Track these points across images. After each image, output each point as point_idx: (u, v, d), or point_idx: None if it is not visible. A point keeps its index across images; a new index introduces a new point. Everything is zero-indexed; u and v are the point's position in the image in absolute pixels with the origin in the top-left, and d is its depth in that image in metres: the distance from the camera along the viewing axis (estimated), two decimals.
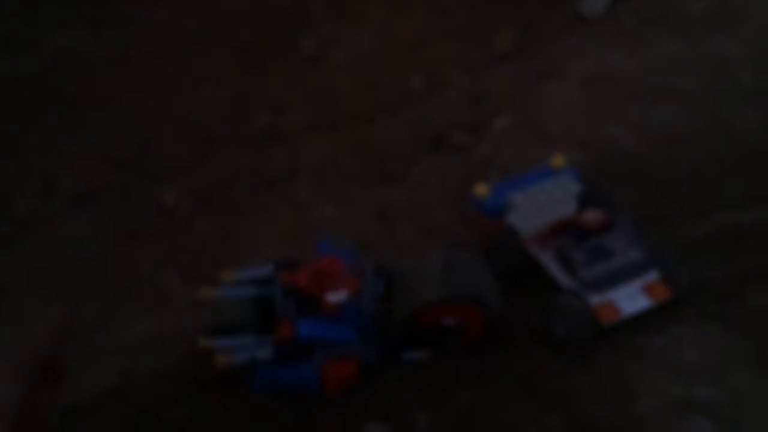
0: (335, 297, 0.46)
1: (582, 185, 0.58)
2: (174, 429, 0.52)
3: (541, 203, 0.57)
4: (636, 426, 0.44)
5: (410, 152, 0.70)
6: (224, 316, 0.49)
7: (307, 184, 0.67)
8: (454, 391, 0.48)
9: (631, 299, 0.51)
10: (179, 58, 0.86)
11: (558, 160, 0.60)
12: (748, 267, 0.56)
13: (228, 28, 0.90)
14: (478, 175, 0.62)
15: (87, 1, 1.10)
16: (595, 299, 0.51)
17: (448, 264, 0.49)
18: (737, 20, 0.81)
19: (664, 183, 0.62)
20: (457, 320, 0.49)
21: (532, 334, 0.51)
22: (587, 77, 0.74)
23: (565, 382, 0.48)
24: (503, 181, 0.62)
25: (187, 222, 0.64)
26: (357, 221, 0.62)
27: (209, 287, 0.50)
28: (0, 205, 0.72)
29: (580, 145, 0.66)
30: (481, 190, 0.57)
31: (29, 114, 0.81)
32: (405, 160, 0.69)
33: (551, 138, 0.68)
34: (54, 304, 0.60)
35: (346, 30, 0.86)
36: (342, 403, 0.47)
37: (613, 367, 0.48)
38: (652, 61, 0.76)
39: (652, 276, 0.52)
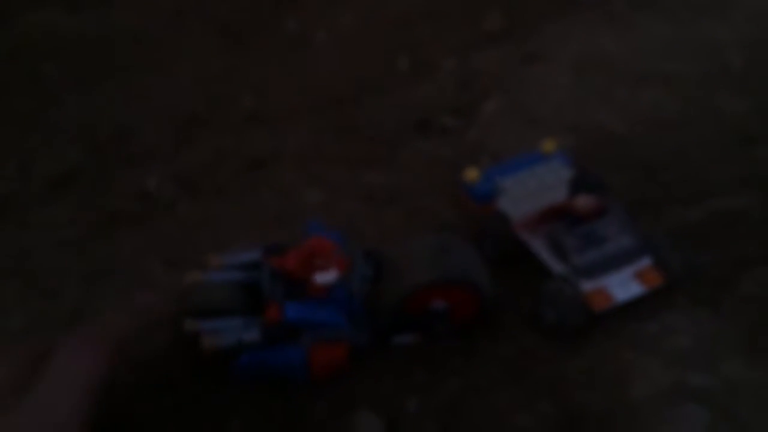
0: (324, 278, 0.44)
1: (573, 170, 0.56)
2: (157, 419, 0.50)
3: (532, 188, 0.56)
4: (628, 413, 0.43)
5: (397, 135, 0.68)
6: (211, 298, 0.47)
7: (292, 168, 0.65)
8: (444, 377, 0.47)
9: (623, 285, 0.50)
10: (159, 38, 0.83)
11: (548, 145, 0.58)
12: (740, 253, 0.55)
13: (208, 9, 0.88)
14: (466, 159, 0.61)
15: None
16: (587, 285, 0.49)
17: (439, 247, 0.47)
18: (727, 5, 0.80)
19: (653, 168, 0.61)
20: (446, 304, 0.48)
21: (522, 320, 0.49)
22: (577, 61, 0.73)
23: (556, 369, 0.47)
24: (493, 166, 0.60)
25: (169, 207, 0.62)
26: (344, 205, 0.61)
27: (197, 271, 0.48)
28: None
29: (569, 129, 0.65)
30: (471, 174, 0.56)
31: (3, 95, 0.79)
32: (392, 143, 0.67)
33: (540, 122, 0.66)
34: (32, 290, 0.58)
35: (330, 10, 0.84)
36: (330, 389, 0.46)
37: (605, 353, 0.46)
38: (641, 44, 0.75)
39: (645, 262, 0.50)
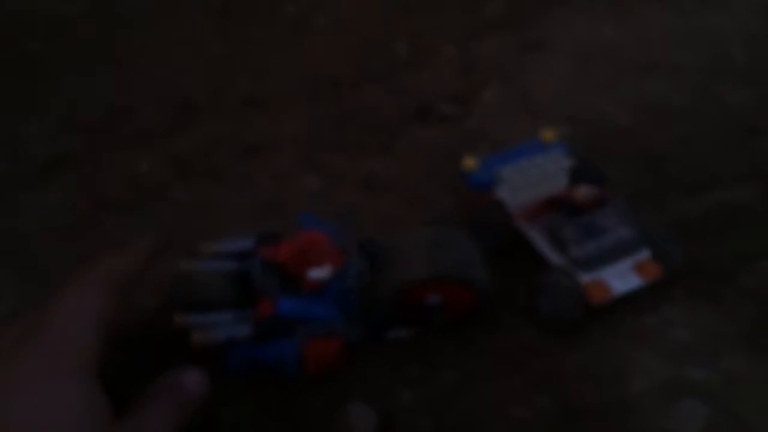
0: (318, 274, 0.43)
1: (573, 160, 0.55)
2: None
3: (531, 178, 0.55)
4: (626, 407, 0.43)
5: (396, 122, 0.67)
6: (200, 291, 0.45)
7: (289, 154, 0.64)
8: (438, 369, 0.46)
9: (622, 278, 0.49)
10: (153, 20, 0.82)
11: (548, 134, 0.57)
12: (740, 246, 0.54)
13: None
14: (465, 147, 0.60)
15: None
16: (585, 277, 0.48)
17: (436, 241, 0.46)
18: None
19: (654, 158, 0.60)
20: (441, 298, 0.47)
21: (519, 312, 0.48)
22: (578, 49, 0.72)
23: (553, 362, 0.46)
24: (492, 154, 0.59)
25: (163, 191, 0.61)
26: (341, 192, 0.60)
27: (190, 259, 0.47)
28: None
29: (570, 118, 0.64)
30: (469, 163, 0.55)
31: None
32: (390, 131, 0.66)
33: (541, 110, 0.65)
34: (23, 273, 0.57)
35: None
36: (324, 381, 0.45)
37: (603, 346, 0.46)
38: (644, 34, 0.74)
39: (644, 254, 0.49)
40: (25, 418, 0.32)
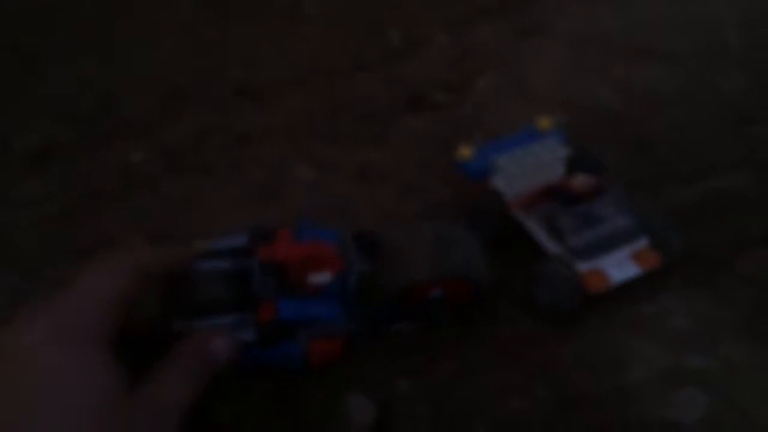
0: (319, 279, 0.43)
1: (569, 148, 0.55)
2: None
3: (528, 166, 0.54)
4: (625, 396, 0.42)
5: (389, 111, 0.67)
6: (199, 295, 0.44)
7: (282, 144, 0.63)
8: (437, 360, 0.46)
9: (619, 267, 0.48)
10: (142, 8, 0.81)
11: (544, 122, 0.57)
12: (736, 234, 0.54)
13: None
14: (460, 136, 0.59)
15: None
16: (583, 266, 0.48)
17: (439, 238, 0.46)
18: None
19: (649, 145, 0.59)
20: (442, 292, 0.47)
21: (517, 302, 0.48)
22: (573, 36, 0.71)
23: (551, 352, 0.45)
24: (487, 143, 0.59)
25: (154, 183, 0.60)
26: (334, 182, 0.59)
27: (203, 240, 0.46)
28: None
29: (565, 105, 0.63)
30: (465, 152, 0.54)
31: None
32: (384, 120, 0.65)
33: (536, 98, 0.65)
34: (12, 268, 0.57)
35: None
36: (322, 376, 0.44)
37: (601, 336, 0.45)
38: (639, 20, 0.74)
39: (642, 243, 0.49)
40: (42, 383, 0.32)
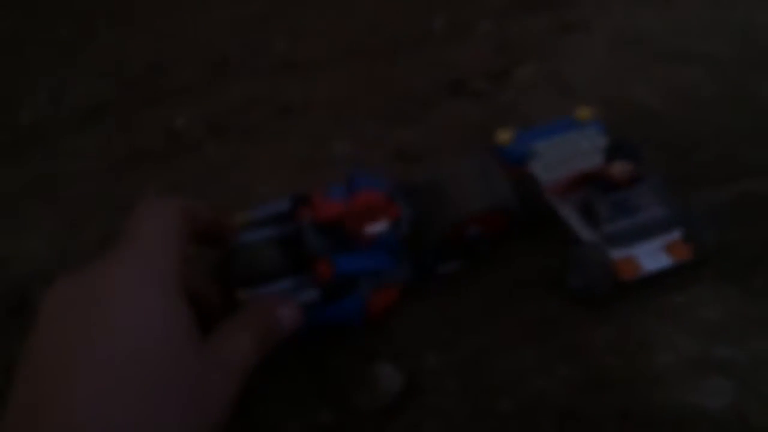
0: (375, 228, 0.44)
1: (608, 138, 0.55)
2: None
3: (566, 153, 0.55)
4: (651, 381, 0.43)
5: (429, 94, 0.67)
6: (255, 263, 0.45)
7: (322, 117, 0.64)
8: (465, 335, 0.47)
9: (652, 256, 0.49)
10: None
11: (584, 112, 0.57)
12: None
13: None
14: (496, 123, 0.60)
15: None
16: (616, 253, 0.49)
17: (483, 171, 0.47)
18: None
19: (685, 146, 0.60)
20: (480, 228, 0.48)
21: (548, 285, 0.49)
22: (614, 33, 0.72)
23: (579, 334, 0.46)
24: (525, 129, 0.59)
25: (197, 147, 0.61)
26: (371, 159, 0.60)
27: (244, 212, 0.47)
28: (5, 114, 0.68)
29: (603, 101, 0.64)
30: (504, 136, 0.55)
31: (39, 26, 0.77)
32: (423, 102, 0.66)
33: (574, 92, 0.66)
34: (57, 218, 0.58)
35: None
36: (349, 343, 0.45)
37: (630, 321, 0.46)
38: (679, 22, 0.74)
39: (675, 235, 0.50)
40: (118, 326, 0.32)
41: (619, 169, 0.49)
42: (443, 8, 0.76)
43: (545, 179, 0.53)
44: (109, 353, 0.31)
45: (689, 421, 0.40)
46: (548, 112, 0.63)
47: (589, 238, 0.48)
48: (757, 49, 0.69)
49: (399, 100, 0.66)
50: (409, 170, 0.59)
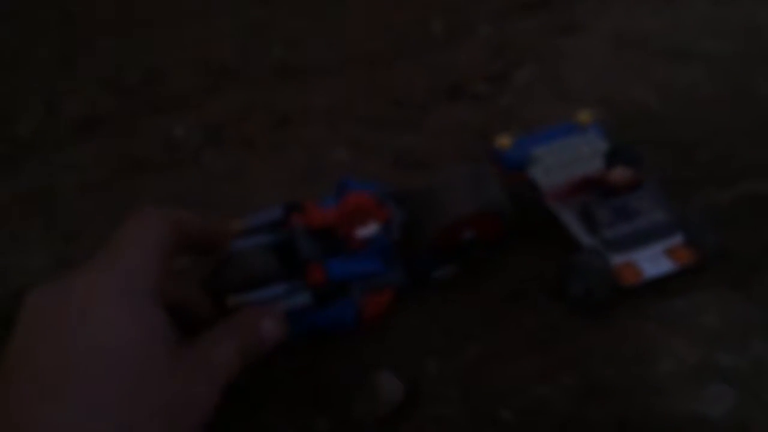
0: (365, 232, 0.44)
1: (609, 143, 0.54)
2: None
3: (566, 159, 0.55)
4: (652, 388, 0.42)
5: (428, 99, 0.67)
6: (247, 269, 0.45)
7: (320, 125, 0.64)
8: (463, 342, 0.46)
9: (653, 261, 0.48)
10: None
11: (584, 116, 0.57)
12: None
13: None
14: (496, 127, 0.60)
15: None
16: (617, 259, 0.48)
17: (475, 177, 0.47)
18: None
19: (686, 146, 0.59)
20: (474, 232, 0.48)
21: (547, 291, 0.48)
22: (613, 34, 0.71)
23: (580, 342, 0.46)
24: (525, 134, 0.59)
25: (195, 156, 0.61)
26: (370, 166, 0.59)
27: (238, 219, 0.47)
28: (2, 126, 0.68)
29: (603, 103, 0.63)
30: (503, 141, 0.55)
31: (35, 35, 0.77)
32: (422, 107, 0.66)
33: (574, 94, 0.65)
34: (53, 231, 0.58)
35: None
36: (347, 350, 0.45)
37: (631, 328, 0.45)
38: (679, 21, 0.74)
39: (677, 239, 0.49)
40: (88, 337, 0.32)
41: (619, 174, 0.48)
42: (441, 11, 0.76)
43: (545, 184, 0.53)
44: (79, 365, 0.31)
45: (690, 429, 0.40)
46: (548, 114, 0.62)
47: (589, 243, 0.48)
48: (758, 48, 0.68)
49: (398, 105, 0.66)
50: (409, 177, 0.59)
